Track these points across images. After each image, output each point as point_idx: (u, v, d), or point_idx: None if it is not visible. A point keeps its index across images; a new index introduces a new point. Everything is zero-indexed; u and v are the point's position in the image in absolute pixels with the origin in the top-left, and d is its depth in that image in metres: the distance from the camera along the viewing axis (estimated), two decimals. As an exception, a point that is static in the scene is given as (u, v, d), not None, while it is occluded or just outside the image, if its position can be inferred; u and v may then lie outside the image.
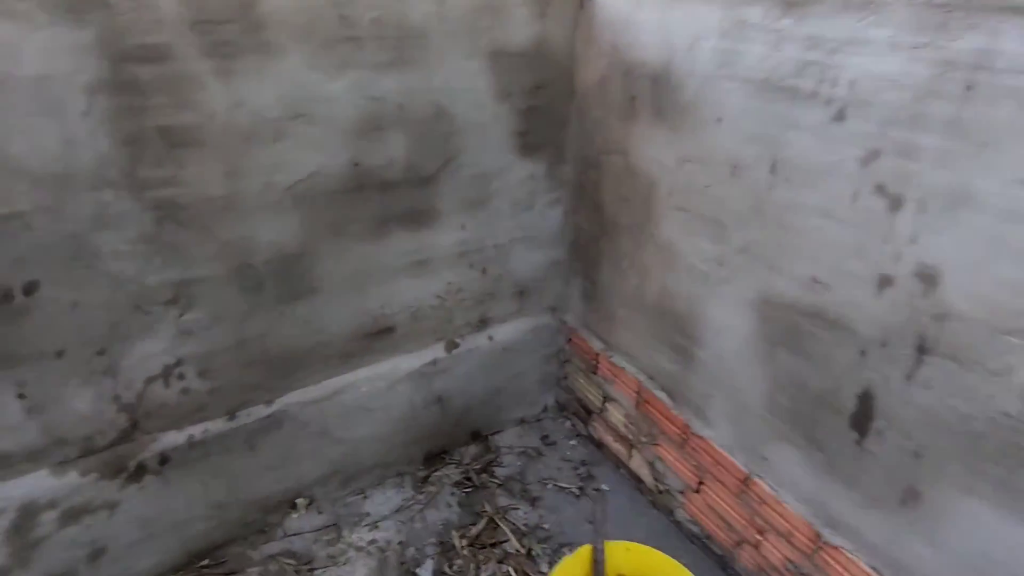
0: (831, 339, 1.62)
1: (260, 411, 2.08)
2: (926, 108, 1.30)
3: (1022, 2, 1.14)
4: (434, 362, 2.41)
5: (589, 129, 2.29)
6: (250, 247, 1.86)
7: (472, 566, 2.16)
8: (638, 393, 2.35)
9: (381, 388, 2.31)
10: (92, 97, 1.51)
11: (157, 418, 1.90)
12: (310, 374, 2.15)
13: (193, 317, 1.84)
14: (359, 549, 2.21)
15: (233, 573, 2.10)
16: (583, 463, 2.63)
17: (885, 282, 1.45)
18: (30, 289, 1.59)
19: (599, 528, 2.12)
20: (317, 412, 2.20)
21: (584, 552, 1.72)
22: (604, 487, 2.50)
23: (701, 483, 2.15)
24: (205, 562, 2.13)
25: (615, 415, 2.52)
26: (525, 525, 2.32)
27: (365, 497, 2.42)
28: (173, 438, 1.94)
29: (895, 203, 1.39)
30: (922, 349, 1.41)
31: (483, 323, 2.52)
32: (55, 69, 1.45)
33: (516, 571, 2.13)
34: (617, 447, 2.56)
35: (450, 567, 2.15)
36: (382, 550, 2.21)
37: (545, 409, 2.91)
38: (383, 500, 2.41)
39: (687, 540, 2.26)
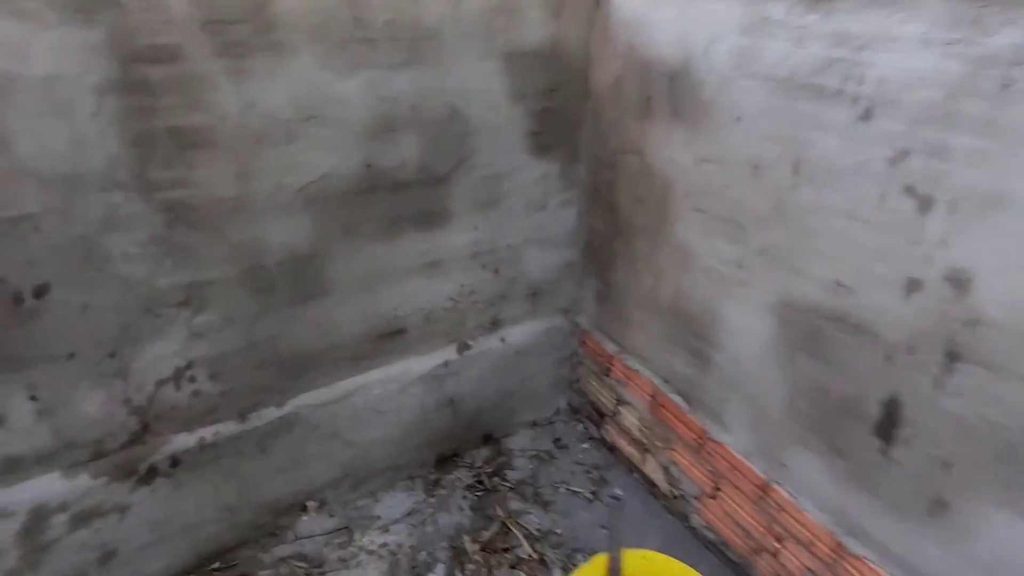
0: (855, 344, 1.57)
1: (271, 413, 2.06)
2: (959, 106, 1.26)
3: (1064, -4, 1.09)
4: (446, 364, 2.39)
5: (604, 129, 2.25)
6: (261, 249, 1.84)
7: (484, 571, 2.13)
8: (653, 397, 2.32)
9: (393, 390, 2.29)
10: (102, 98, 1.50)
11: (168, 420, 1.89)
12: (321, 376, 2.13)
13: (204, 319, 1.82)
14: (370, 552, 2.19)
15: (244, 576, 2.10)
16: (596, 467, 2.59)
17: (913, 286, 1.41)
18: (40, 292, 1.58)
19: (615, 537, 2.09)
20: (328, 414, 2.18)
21: (600, 561, 1.68)
22: (618, 492, 2.46)
23: (717, 489, 2.11)
24: (216, 565, 2.12)
25: (629, 419, 2.48)
26: (538, 530, 2.29)
27: (376, 500, 2.40)
28: (184, 440, 1.93)
29: (925, 204, 1.35)
30: (952, 356, 1.37)
31: (495, 325, 2.49)
32: (64, 69, 1.43)
33: (529, 577, 2.11)
34: (631, 451, 2.52)
35: (462, 572, 2.13)
36: (393, 553, 2.19)
37: (557, 412, 2.88)
38: (394, 503, 2.39)
39: (703, 546, 2.22)
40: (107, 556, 1.90)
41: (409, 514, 2.34)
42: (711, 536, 2.19)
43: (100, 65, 1.47)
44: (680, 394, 2.21)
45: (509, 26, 1.99)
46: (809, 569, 1.82)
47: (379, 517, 2.33)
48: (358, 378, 2.21)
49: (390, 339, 2.23)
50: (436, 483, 2.48)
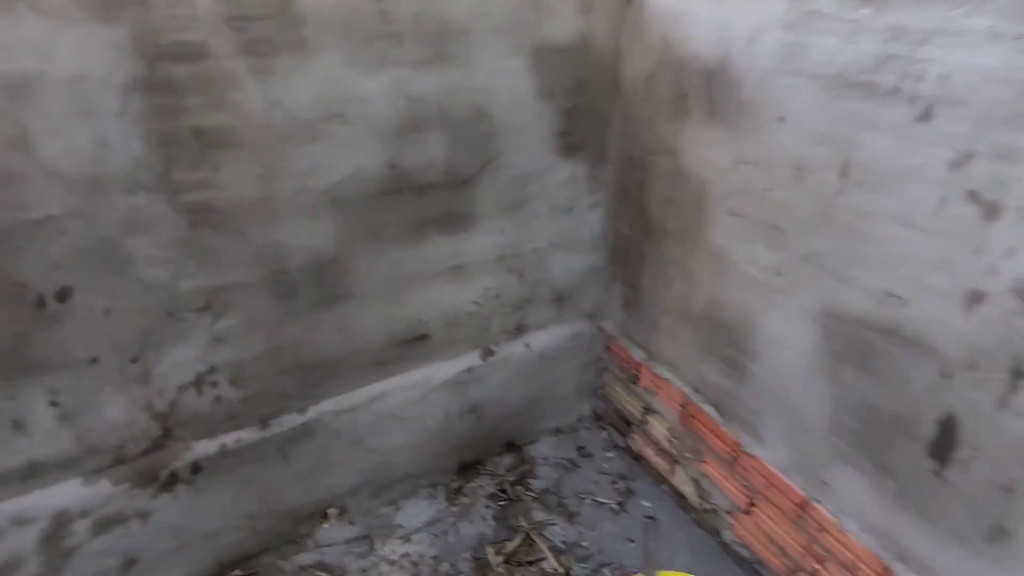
0: (907, 358, 1.48)
1: (293, 420, 2.02)
2: (1033, 106, 1.16)
3: None
4: (469, 370, 2.33)
5: (634, 128, 2.17)
6: (284, 252, 1.79)
7: (508, 584, 2.07)
8: (683, 406, 2.24)
9: (415, 397, 2.24)
10: (126, 97, 1.46)
11: (190, 426, 1.86)
12: (343, 382, 2.09)
13: (226, 324, 1.79)
14: (392, 563, 2.14)
15: (264, 585, 2.06)
16: (621, 476, 2.52)
17: (975, 298, 1.32)
18: (63, 295, 1.55)
19: (651, 559, 2.01)
20: (350, 421, 2.13)
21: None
22: (646, 503, 2.38)
23: (752, 504, 2.02)
24: (236, 572, 2.09)
25: (657, 428, 2.41)
26: (563, 542, 2.23)
27: (397, 508, 2.35)
28: (205, 447, 1.89)
29: (991, 211, 1.26)
30: (1018, 373, 1.27)
31: (520, 330, 2.43)
32: (89, 68, 1.40)
33: (554, 591, 2.04)
34: (658, 461, 2.44)
35: (485, 585, 2.08)
36: (415, 564, 2.14)
37: (581, 419, 2.81)
38: (415, 511, 2.34)
39: (735, 563, 2.14)
40: (128, 563, 1.87)
41: (431, 523, 2.29)
42: (744, 553, 2.10)
43: (125, 64, 1.43)
44: (713, 404, 2.12)
45: (538, 21, 1.92)
46: (852, 592, 1.73)
47: (400, 526, 2.28)
48: (380, 384, 2.16)
49: (413, 345, 2.18)
50: (458, 491, 2.43)
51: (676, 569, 2.04)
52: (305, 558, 2.14)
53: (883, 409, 1.57)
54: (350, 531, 2.24)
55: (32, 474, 1.68)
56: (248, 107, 1.60)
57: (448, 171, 1.97)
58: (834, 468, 1.74)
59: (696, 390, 2.19)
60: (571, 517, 2.33)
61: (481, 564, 2.14)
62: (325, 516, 2.25)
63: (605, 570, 2.12)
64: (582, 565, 2.14)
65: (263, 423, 1.98)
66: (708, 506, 2.22)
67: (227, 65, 1.54)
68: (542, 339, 2.48)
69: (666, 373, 2.30)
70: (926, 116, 1.32)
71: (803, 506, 1.84)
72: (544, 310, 2.45)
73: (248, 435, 1.95)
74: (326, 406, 2.07)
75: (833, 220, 1.58)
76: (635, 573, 1.70)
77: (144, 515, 1.85)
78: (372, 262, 1.96)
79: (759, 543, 2.03)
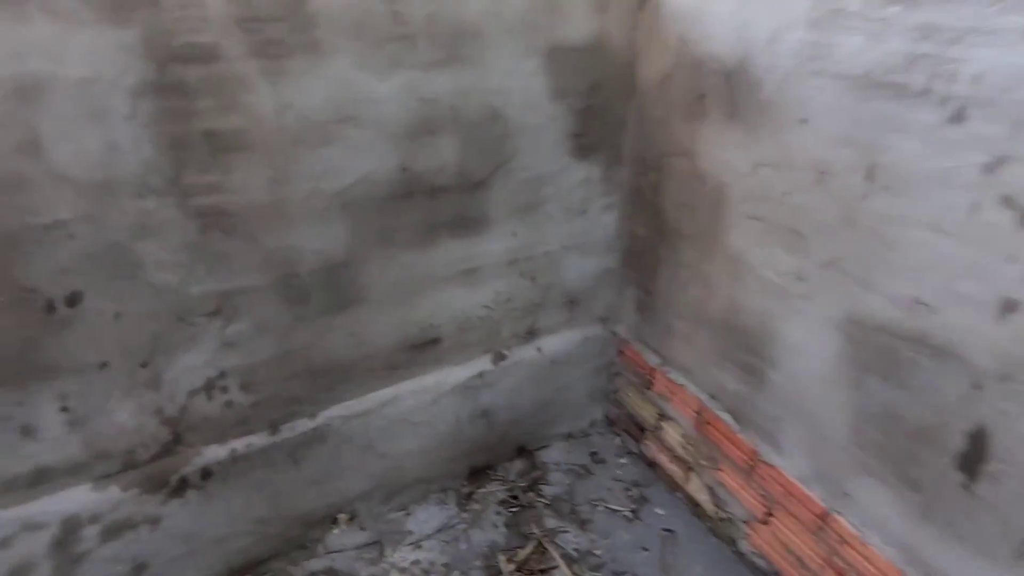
0: (936, 368, 1.44)
1: (303, 425, 2.00)
2: (1074, 108, 1.12)
3: None
4: (481, 375, 2.30)
5: (650, 130, 2.13)
6: (295, 256, 1.77)
7: (520, 593, 2.04)
8: (699, 413, 2.19)
9: (426, 401, 2.21)
10: (137, 100, 1.44)
11: (199, 432, 1.84)
12: (354, 387, 2.07)
13: (236, 329, 1.77)
14: (402, 570, 2.11)
15: (274, 591, 2.04)
16: (635, 483, 2.48)
17: (1009, 307, 1.27)
18: (73, 300, 1.54)
19: (669, 573, 1.97)
20: (361, 426, 2.11)
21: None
22: (661, 512, 2.34)
23: (769, 514, 1.98)
24: (246, 578, 2.07)
25: (671, 434, 2.36)
26: (575, 550, 2.19)
27: (408, 514, 2.32)
28: (215, 452, 1.88)
29: (1027, 217, 1.21)
30: (1055, 386, 1.22)
31: (531, 334, 2.40)
32: (100, 71, 1.38)
33: (567, 601, 2.01)
34: (673, 468, 2.40)
35: (497, 593, 2.05)
36: (426, 572, 2.11)
37: (593, 423, 2.77)
38: (426, 517, 2.31)
39: (751, 573, 2.09)
40: (139, 568, 1.86)
41: (441, 529, 2.26)
42: (761, 563, 2.06)
43: (136, 66, 1.41)
44: (729, 412, 2.08)
45: (552, 21, 1.89)
46: (874, 607, 1.68)
47: (411, 532, 2.25)
48: (391, 389, 2.14)
49: (424, 349, 2.15)
50: (469, 497, 2.40)
51: (691, 579, 2.00)
52: (315, 564, 2.12)
53: (909, 420, 1.52)
54: (360, 537, 2.22)
55: (42, 479, 1.66)
56: (260, 110, 1.58)
57: (460, 174, 1.94)
58: (856, 479, 1.69)
59: (712, 396, 2.15)
60: (583, 524, 2.29)
61: (493, 572, 2.11)
62: (335, 521, 2.23)
63: (619, 579, 2.09)
64: (595, 574, 2.11)
65: (273, 428, 1.96)
66: (724, 515, 2.17)
67: (238, 67, 1.52)
68: (554, 343, 2.45)
69: (681, 379, 2.26)
70: (958, 118, 1.28)
71: (823, 517, 1.79)
72: (556, 314, 2.41)
73: (258, 440, 1.93)
74: (337, 411, 2.05)
75: (857, 225, 1.53)
76: None
77: (154, 521, 1.84)
78: (383, 266, 1.93)
79: (777, 554, 1.98)
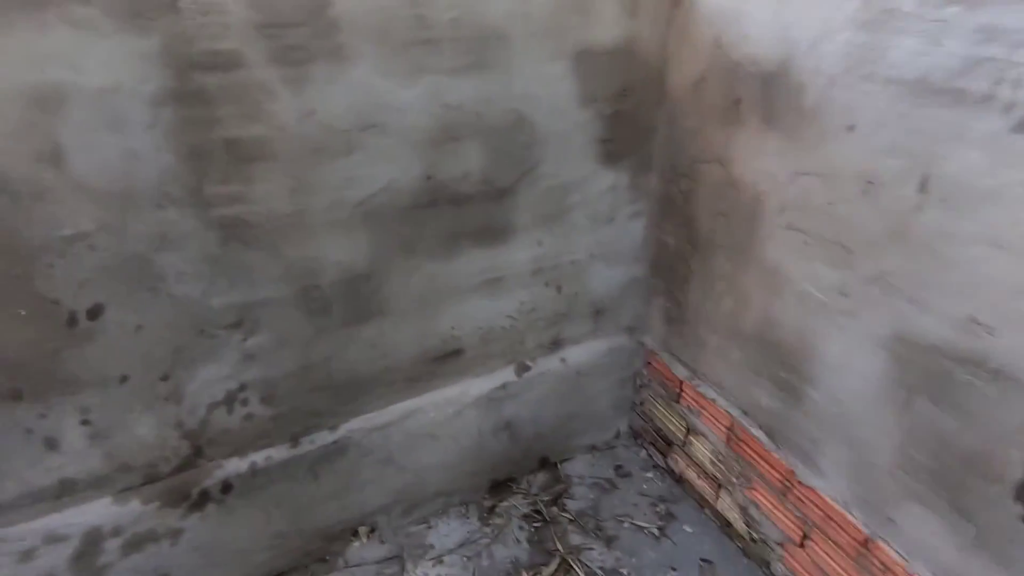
0: (993, 393, 1.34)
1: (324, 437, 1.97)
2: None
3: None
4: (504, 386, 2.25)
5: (681, 136, 2.05)
6: (317, 267, 1.73)
7: (544, 613, 1.98)
8: (730, 429, 2.11)
9: (448, 414, 2.16)
10: (157, 109, 1.41)
11: (220, 445, 1.81)
12: (375, 399, 2.02)
13: (257, 341, 1.73)
14: (423, 586, 2.07)
15: (294, 605, 2.01)
16: (661, 499, 2.41)
17: (1081, 332, 1.17)
18: (94, 313, 1.51)
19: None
20: (382, 439, 2.07)
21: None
22: (689, 530, 2.27)
23: (806, 537, 1.89)
24: (266, 591, 2.05)
25: (701, 450, 2.29)
26: (601, 569, 2.13)
27: (429, 527, 2.28)
28: (236, 465, 1.85)
29: (1103, 236, 1.11)
30: None
31: (556, 344, 2.33)
32: (119, 80, 1.35)
33: (593, 622, 1.95)
34: (702, 485, 2.32)
35: (520, 612, 1.99)
36: (447, 588, 2.07)
37: (617, 435, 2.70)
38: (447, 531, 2.27)
39: (785, 598, 2.01)
40: (158, 581, 1.84)
41: (463, 544, 2.21)
42: (796, 588, 1.97)
43: (156, 74, 1.38)
44: (763, 429, 2.00)
45: (580, 24, 1.82)
46: (921, 641, 1.59)
47: (432, 546, 2.21)
48: (413, 401, 2.09)
49: (446, 360, 2.10)
50: (491, 510, 2.35)
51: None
52: (335, 578, 2.09)
53: (962, 446, 1.43)
54: (381, 550, 2.18)
55: (64, 492, 1.65)
56: (281, 117, 1.54)
57: (485, 181, 1.89)
58: (902, 506, 1.60)
59: (745, 412, 2.06)
60: (609, 542, 2.22)
61: (516, 590, 2.06)
62: (355, 534, 2.19)
63: (646, 601, 2.02)
64: (622, 595, 2.05)
65: (294, 441, 1.92)
66: (756, 536, 2.09)
67: (260, 74, 1.48)
68: (579, 354, 2.38)
69: (711, 393, 2.18)
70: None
71: (865, 543, 1.70)
72: (581, 324, 2.35)
73: (278, 453, 1.90)
74: (357, 424, 2.01)
75: (908, 239, 1.44)
76: None
77: (175, 534, 1.82)
78: (406, 277, 1.88)
79: (813, 579, 1.90)
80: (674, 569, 2.12)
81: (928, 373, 1.46)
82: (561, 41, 1.81)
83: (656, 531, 2.27)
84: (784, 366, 1.86)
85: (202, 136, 1.48)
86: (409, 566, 2.13)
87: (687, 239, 2.14)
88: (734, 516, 2.18)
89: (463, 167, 1.83)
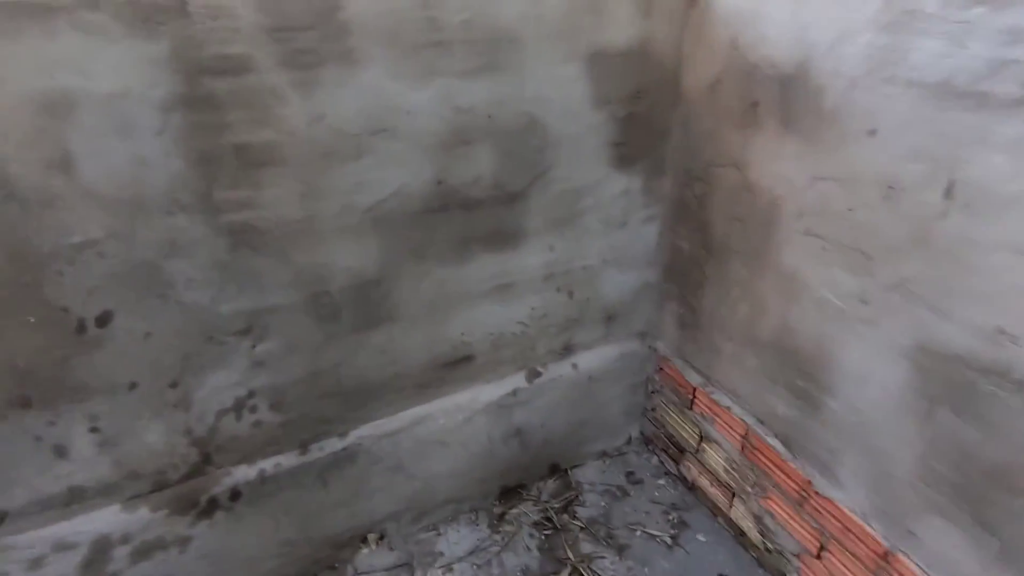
0: (1018, 404, 1.30)
1: (333, 444, 1.95)
2: None
3: None
4: (514, 392, 2.22)
5: (696, 139, 2.02)
6: (326, 273, 1.71)
7: (555, 623, 1.96)
8: (744, 437, 2.08)
9: (458, 421, 2.14)
10: (166, 114, 1.39)
11: (228, 452, 1.80)
12: (385, 406, 2.01)
13: (266, 348, 1.72)
14: (433, 594, 2.05)
15: (302, 613, 2.00)
16: (674, 506, 2.37)
17: (1115, 344, 1.13)
18: (103, 320, 1.50)
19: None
20: (391, 445, 2.05)
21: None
22: (703, 539, 2.23)
23: (823, 548, 1.86)
24: (274, 598, 2.03)
25: (714, 458, 2.25)
26: (612, 578, 2.10)
27: (438, 534, 2.26)
28: (244, 472, 1.84)
29: None
30: None
31: (567, 350, 2.31)
32: (129, 85, 1.34)
33: (605, 633, 1.92)
34: (715, 493, 2.28)
35: (531, 622, 1.97)
36: (457, 596, 2.05)
37: (628, 441, 2.67)
38: (457, 538, 2.24)
39: (801, 609, 1.98)
40: (167, 589, 1.83)
41: (473, 552, 2.19)
42: (812, 600, 1.94)
43: (165, 79, 1.37)
44: (779, 438, 1.96)
45: (594, 25, 1.79)
46: (943, 658, 1.55)
47: (442, 553, 2.18)
48: (423, 407, 2.07)
49: (456, 366, 2.08)
50: (501, 517, 2.32)
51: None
52: (344, 585, 2.08)
53: (986, 459, 1.39)
54: (390, 557, 2.16)
55: (73, 500, 1.64)
56: (292, 122, 1.52)
57: (496, 186, 1.86)
58: (923, 518, 1.56)
59: (760, 421, 2.03)
60: (621, 551, 2.19)
61: (526, 599, 2.04)
62: (364, 541, 2.17)
63: (659, 611, 1.99)
64: (634, 605, 2.02)
65: (303, 448, 1.91)
66: (772, 546, 2.05)
67: (270, 78, 1.46)
68: (590, 359, 2.36)
69: (726, 400, 2.15)
70: (1056, 132, 1.15)
71: (885, 556, 1.67)
72: (593, 329, 2.32)
73: (287, 460, 1.89)
74: (367, 430, 1.99)
75: (931, 245, 1.41)
76: None
77: (183, 541, 1.81)
78: (416, 282, 1.86)
79: (831, 591, 1.86)
80: (687, 579, 2.09)
81: (951, 384, 1.43)
82: (574, 43, 1.78)
83: (669, 540, 2.23)
84: (801, 374, 1.82)
85: (211, 141, 1.46)
86: (419, 574, 2.11)
87: (702, 244, 2.10)
88: (748, 525, 2.14)
89: (474, 171, 1.80)
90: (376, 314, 1.84)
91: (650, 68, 1.94)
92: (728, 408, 2.13)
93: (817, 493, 1.84)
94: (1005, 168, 1.24)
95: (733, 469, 2.17)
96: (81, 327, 1.48)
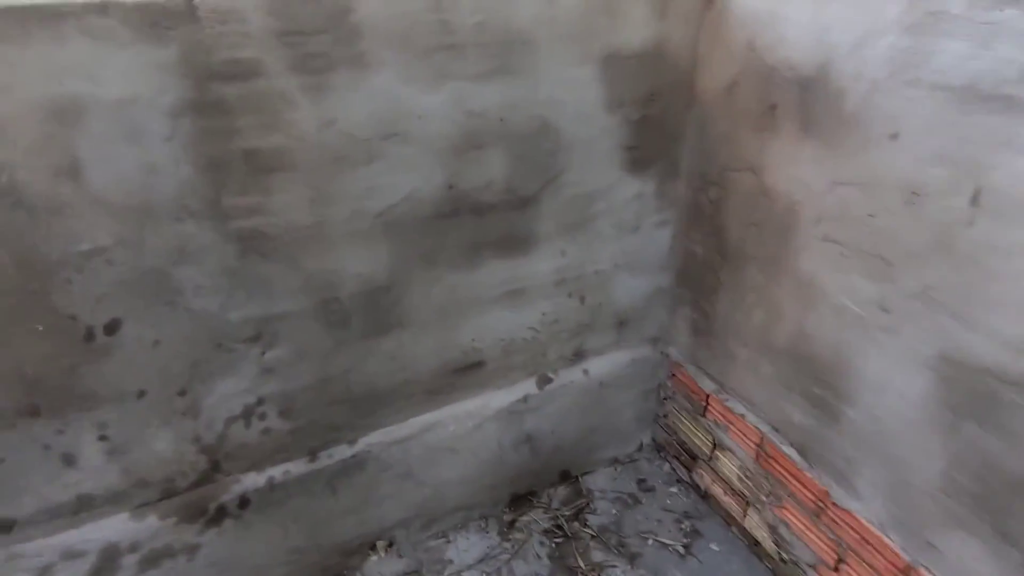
0: (1049, 417, 1.27)
1: (342, 451, 1.93)
2: None
3: None
4: (525, 399, 2.20)
5: (711, 142, 1.99)
6: (336, 279, 1.69)
7: (566, 633, 1.93)
8: (759, 445, 2.04)
9: (469, 427, 2.12)
10: (175, 120, 1.37)
11: (237, 459, 1.78)
12: (395, 412, 1.98)
13: (276, 355, 1.70)
14: (443, 603, 2.03)
15: (311, 621, 1.98)
16: (686, 515, 2.34)
17: None
18: (112, 328, 1.48)
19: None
20: (401, 452, 2.03)
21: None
22: (716, 548, 2.20)
23: (841, 560, 1.82)
24: (283, 606, 2.01)
25: (728, 466, 2.22)
26: (624, 587, 2.07)
27: (448, 541, 2.24)
28: (253, 480, 1.82)
29: None
30: None
31: (578, 356, 2.28)
32: (137, 91, 1.32)
33: (617, 644, 1.89)
34: (728, 501, 2.25)
35: (542, 632, 1.94)
36: (467, 605, 2.02)
37: (640, 448, 2.63)
38: (466, 546, 2.22)
39: (817, 621, 1.94)
40: (175, 597, 1.82)
41: (483, 559, 2.17)
42: (829, 612, 1.90)
43: (174, 85, 1.35)
44: (795, 447, 1.92)
45: (608, 27, 1.76)
46: (966, 675, 1.52)
47: (451, 561, 2.16)
48: (433, 414, 2.05)
49: (467, 373, 2.06)
50: (511, 524, 2.30)
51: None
52: (353, 593, 2.06)
53: (1013, 472, 1.35)
54: (399, 565, 2.14)
55: (81, 508, 1.63)
56: (302, 127, 1.50)
57: (508, 190, 1.83)
58: (945, 531, 1.53)
59: (775, 429, 1.99)
60: (633, 559, 2.16)
61: (537, 608, 2.01)
62: (373, 548, 2.15)
63: (672, 622, 1.96)
64: (647, 616, 1.99)
65: (312, 455, 1.89)
66: (787, 557, 2.02)
67: (280, 83, 1.44)
68: (602, 365, 2.33)
69: (740, 408, 2.11)
70: (1091, 137, 1.11)
71: (906, 571, 1.63)
72: (605, 335, 2.29)
73: (296, 468, 1.87)
74: (376, 437, 1.97)
75: (955, 253, 1.37)
76: None
77: (192, 549, 1.79)
78: (426, 288, 1.84)
79: (848, 603, 1.83)
80: (702, 591, 2.06)
81: (977, 395, 1.39)
82: (588, 45, 1.75)
83: (681, 549, 2.20)
84: (818, 382, 1.79)
85: (221, 147, 1.44)
86: (428, 582, 2.09)
87: (716, 249, 2.07)
88: (763, 535, 2.11)
89: (486, 175, 1.78)
90: (386, 320, 1.82)
91: (665, 70, 1.90)
92: (742, 415, 2.09)
93: (834, 504, 1.80)
94: (1035, 174, 1.20)
95: (747, 478, 2.13)
96: (90, 335, 1.47)
